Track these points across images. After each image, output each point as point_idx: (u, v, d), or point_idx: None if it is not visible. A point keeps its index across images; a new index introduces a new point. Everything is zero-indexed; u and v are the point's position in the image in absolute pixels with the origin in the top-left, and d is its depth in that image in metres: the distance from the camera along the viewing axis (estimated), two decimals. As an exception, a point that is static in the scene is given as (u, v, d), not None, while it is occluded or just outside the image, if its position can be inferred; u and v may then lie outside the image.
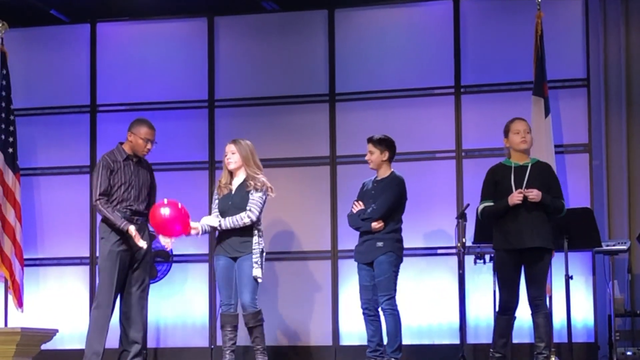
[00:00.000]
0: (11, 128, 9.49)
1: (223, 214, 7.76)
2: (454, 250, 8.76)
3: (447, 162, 9.30)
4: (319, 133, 9.55)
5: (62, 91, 9.97)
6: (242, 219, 7.64)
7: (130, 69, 9.90)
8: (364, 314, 7.87)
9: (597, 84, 9.16)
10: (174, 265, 9.25)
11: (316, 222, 9.45)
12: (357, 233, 7.99)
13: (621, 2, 9.20)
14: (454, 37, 9.37)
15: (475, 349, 8.83)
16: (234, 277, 7.70)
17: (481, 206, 7.32)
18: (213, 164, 9.50)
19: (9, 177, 9.42)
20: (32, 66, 10.02)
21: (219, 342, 9.13)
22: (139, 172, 7.78)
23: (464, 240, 8.34)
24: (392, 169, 7.95)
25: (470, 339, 8.90)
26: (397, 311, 7.72)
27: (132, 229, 7.53)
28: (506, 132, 7.35)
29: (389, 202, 7.77)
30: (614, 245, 8.48)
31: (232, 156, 7.79)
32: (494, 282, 8.23)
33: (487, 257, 8.50)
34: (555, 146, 8.81)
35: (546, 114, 8.72)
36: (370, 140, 7.95)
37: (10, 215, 9.37)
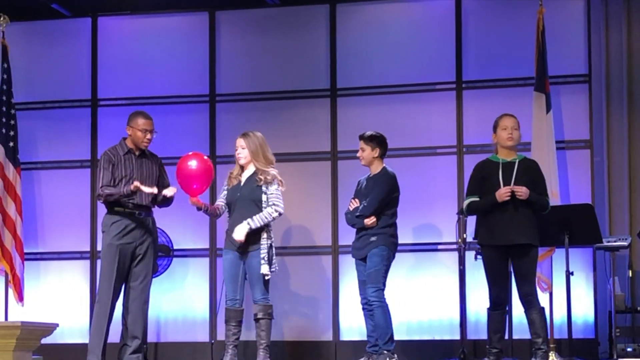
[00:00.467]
0: (12, 122, 9.49)
1: (230, 205, 7.75)
2: (454, 246, 8.77)
3: (448, 158, 9.30)
4: (320, 128, 9.55)
5: (63, 85, 9.97)
6: (271, 214, 7.63)
7: (132, 63, 9.90)
8: (363, 309, 7.86)
9: (599, 80, 9.15)
10: (174, 260, 9.26)
11: (317, 217, 9.45)
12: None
13: (623, -2, 9.21)
14: (456, 33, 9.36)
15: (475, 345, 8.83)
16: (239, 272, 7.68)
17: (467, 201, 7.37)
18: (214, 159, 9.49)
19: (10, 171, 9.42)
20: (33, 60, 10.02)
21: (220, 337, 9.15)
22: (141, 165, 7.76)
23: (464, 236, 8.35)
24: (384, 165, 7.91)
25: (471, 335, 8.89)
26: (386, 303, 7.67)
27: (136, 183, 7.52)
28: (495, 128, 7.39)
29: (378, 198, 7.76)
30: (614, 242, 8.48)
31: (242, 151, 7.79)
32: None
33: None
34: (557, 142, 8.81)
35: (547, 110, 8.71)
36: (361, 137, 7.94)
37: (11, 209, 9.37)
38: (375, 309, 7.66)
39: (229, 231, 7.75)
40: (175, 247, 9.22)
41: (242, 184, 7.77)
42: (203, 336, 9.46)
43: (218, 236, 9.47)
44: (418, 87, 9.42)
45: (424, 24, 9.49)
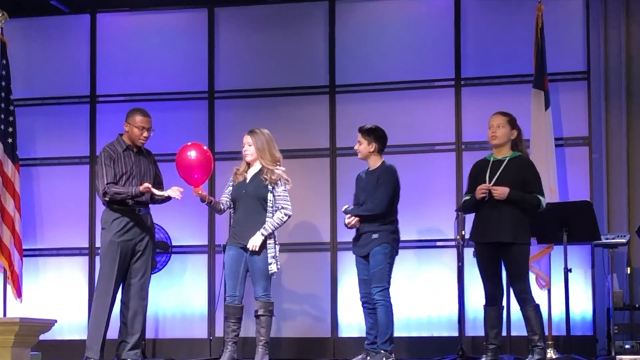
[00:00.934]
0: (11, 118, 9.49)
1: (235, 201, 7.74)
2: (453, 243, 8.77)
3: (447, 155, 9.30)
4: (319, 125, 9.55)
5: (62, 81, 9.96)
6: (282, 219, 7.62)
7: (130, 59, 9.89)
8: (363, 306, 7.86)
9: (598, 77, 9.16)
10: (173, 256, 9.26)
11: (316, 214, 9.45)
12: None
13: (622, -5, 9.21)
14: (455, 30, 9.36)
15: (473, 341, 8.84)
16: (241, 268, 7.68)
17: (463, 199, 7.46)
18: (213, 156, 9.47)
19: (9, 167, 9.42)
20: (32, 56, 10.02)
21: (218, 333, 9.16)
22: (140, 162, 7.77)
23: (463, 232, 8.36)
24: (382, 159, 7.90)
25: (469, 332, 8.90)
26: (390, 303, 7.67)
27: (147, 185, 7.54)
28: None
29: (389, 194, 7.73)
30: (613, 239, 8.49)
31: (248, 148, 7.78)
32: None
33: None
34: (555, 139, 8.81)
35: (546, 107, 8.72)
36: (360, 129, 7.91)
37: (10, 205, 9.37)
38: (379, 308, 7.66)
39: (234, 228, 7.73)
40: (174, 244, 9.22)
41: (247, 181, 7.75)
42: (201, 332, 9.46)
43: (217, 233, 9.48)
44: (417, 84, 9.42)
45: (423, 21, 9.49)
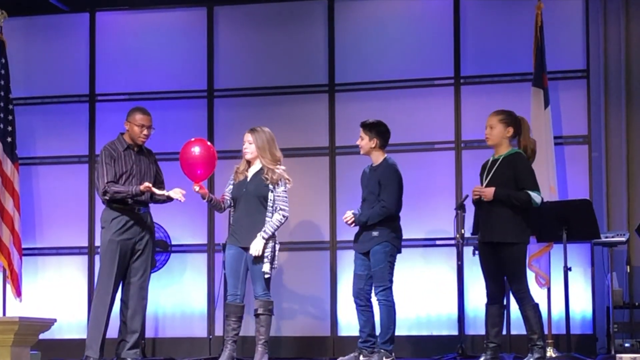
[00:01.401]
0: (10, 117, 9.48)
1: (235, 200, 7.72)
2: (452, 242, 8.76)
3: (446, 153, 9.30)
4: (318, 123, 9.55)
5: (61, 80, 9.96)
6: (280, 220, 7.60)
7: (130, 58, 9.89)
8: (355, 302, 7.83)
9: (597, 75, 9.16)
10: (172, 255, 9.26)
11: (315, 213, 9.45)
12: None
13: (621, -7, 9.21)
14: (454, 28, 9.36)
15: (473, 340, 8.84)
16: (241, 268, 7.67)
17: None
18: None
19: (8, 166, 9.41)
20: (31, 55, 10.01)
21: (218, 332, 9.16)
22: (140, 161, 7.77)
23: (462, 231, 8.34)
24: (385, 155, 7.88)
25: (469, 330, 8.90)
26: (393, 302, 7.68)
27: (147, 184, 7.54)
28: None
29: (394, 194, 7.73)
30: (612, 237, 8.49)
31: (248, 146, 7.76)
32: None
33: (486, 248, 8.50)
34: (555, 137, 8.81)
35: (546, 105, 8.71)
36: (362, 124, 7.90)
37: (9, 204, 9.36)
38: (382, 307, 7.65)
39: (234, 226, 7.73)
40: (173, 243, 9.22)
41: (248, 179, 7.74)
42: (201, 331, 9.46)
43: (216, 231, 9.48)
44: (416, 83, 9.42)
45: (422, 19, 9.49)
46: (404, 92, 9.42)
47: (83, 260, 9.75)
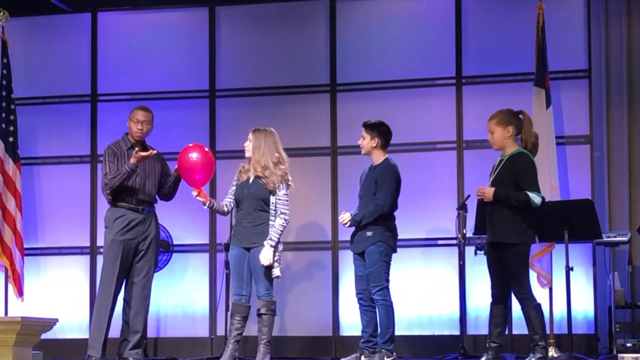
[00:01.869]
0: (12, 117, 9.49)
1: (238, 202, 7.71)
2: (454, 241, 8.77)
3: (448, 153, 9.30)
4: (319, 123, 9.55)
5: (63, 80, 9.96)
6: (283, 225, 7.57)
7: (131, 58, 9.89)
8: (358, 302, 7.83)
9: (599, 75, 9.16)
10: (174, 255, 9.26)
11: (317, 213, 9.45)
12: (357, 224, 7.98)
13: (623, -7, 9.21)
14: (456, 28, 9.36)
15: (475, 340, 8.83)
16: (245, 268, 7.66)
17: None
18: (214, 154, 9.48)
19: (10, 166, 9.42)
20: (33, 55, 10.02)
21: (220, 332, 9.16)
22: (144, 160, 7.75)
23: (464, 231, 8.35)
24: (386, 155, 7.88)
25: (471, 330, 8.90)
26: (390, 301, 7.65)
27: (136, 149, 7.54)
28: None
29: (391, 194, 7.72)
30: (614, 237, 8.48)
31: (248, 144, 7.77)
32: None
33: (488, 248, 8.51)
34: (556, 137, 8.81)
35: (547, 105, 8.71)
36: (364, 124, 7.89)
37: (11, 204, 9.37)
38: (379, 307, 7.64)
39: (236, 227, 7.72)
40: (175, 243, 9.22)
41: (250, 180, 7.72)
42: (203, 331, 9.47)
43: (218, 231, 9.48)
44: (418, 83, 9.42)
45: (424, 19, 9.49)
46: (406, 92, 9.42)
47: (85, 260, 9.76)
